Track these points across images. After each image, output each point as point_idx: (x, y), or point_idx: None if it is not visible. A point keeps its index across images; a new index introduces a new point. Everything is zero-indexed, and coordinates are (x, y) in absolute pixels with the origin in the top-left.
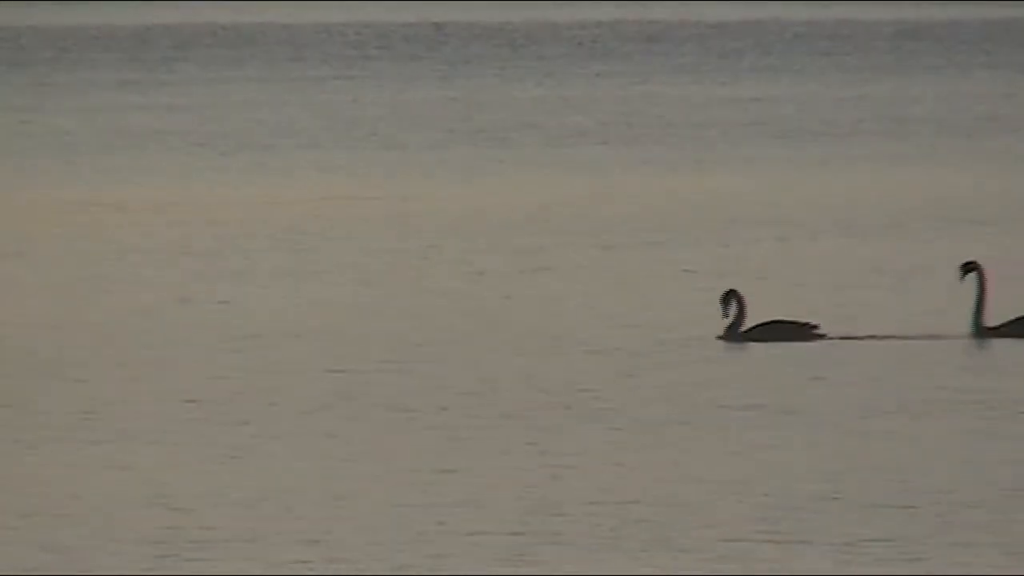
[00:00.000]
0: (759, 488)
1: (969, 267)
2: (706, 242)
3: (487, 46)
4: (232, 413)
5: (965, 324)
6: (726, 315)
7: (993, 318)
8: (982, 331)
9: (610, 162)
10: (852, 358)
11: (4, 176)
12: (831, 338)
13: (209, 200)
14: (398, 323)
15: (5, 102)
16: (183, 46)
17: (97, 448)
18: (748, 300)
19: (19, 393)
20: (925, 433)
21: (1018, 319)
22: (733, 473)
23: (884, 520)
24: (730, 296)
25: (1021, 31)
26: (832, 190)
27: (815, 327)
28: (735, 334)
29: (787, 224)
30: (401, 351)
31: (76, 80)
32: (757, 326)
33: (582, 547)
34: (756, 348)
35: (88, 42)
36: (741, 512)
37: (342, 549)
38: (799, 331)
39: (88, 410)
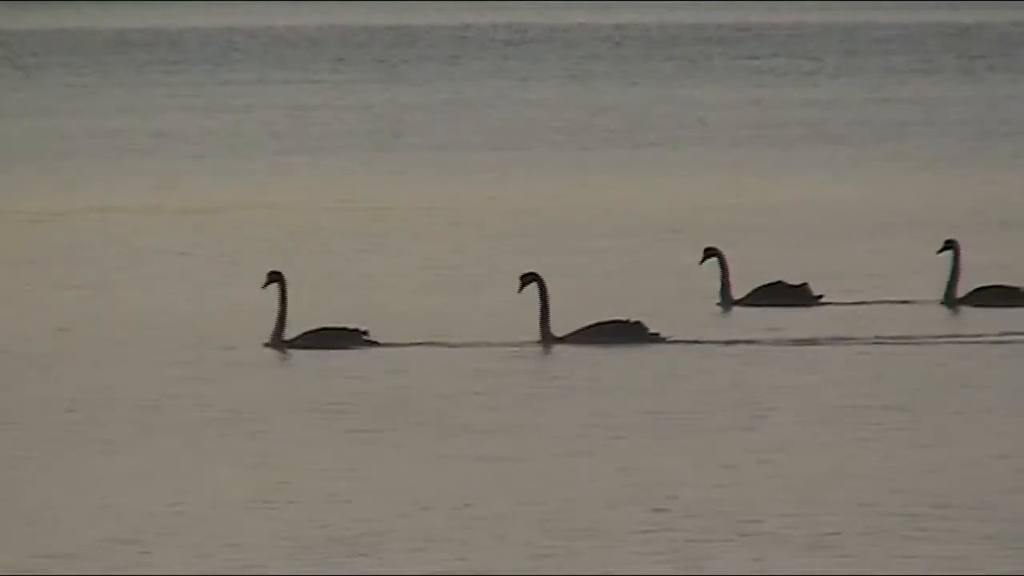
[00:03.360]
0: None
1: (529, 278)
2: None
3: (513, 49)
4: (353, 413)
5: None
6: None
7: (567, 326)
8: (548, 339)
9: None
10: (403, 363)
11: (39, 182)
12: (382, 345)
13: (256, 203)
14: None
15: (30, 105)
16: (210, 48)
17: (231, 446)
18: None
19: (159, 395)
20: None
21: (585, 328)
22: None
23: None
24: (274, 277)
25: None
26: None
27: (364, 333)
28: (279, 341)
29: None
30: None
31: (95, 83)
32: (305, 333)
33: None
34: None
35: (105, 45)
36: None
37: (484, 551)
38: (347, 337)
39: (227, 408)
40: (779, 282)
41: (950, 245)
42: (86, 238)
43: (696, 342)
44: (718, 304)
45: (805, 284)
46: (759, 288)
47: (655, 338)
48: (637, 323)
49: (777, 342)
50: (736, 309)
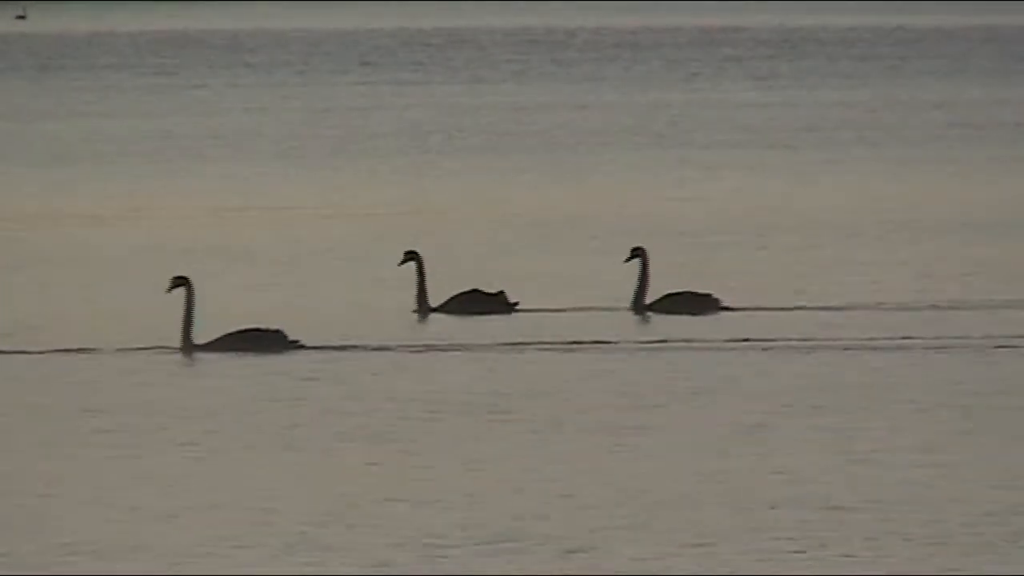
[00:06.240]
0: None
1: (179, 281)
2: None
3: (509, 52)
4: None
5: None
6: None
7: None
8: (189, 345)
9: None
10: (26, 370)
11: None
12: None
13: (282, 206)
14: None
15: (63, 108)
16: (236, 49)
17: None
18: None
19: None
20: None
21: (225, 335)
22: None
23: None
24: None
25: None
26: None
27: None
28: None
29: None
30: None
31: (111, 84)
32: None
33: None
34: None
35: (123, 46)
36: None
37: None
38: None
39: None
40: (475, 290)
41: (637, 253)
42: None
43: (339, 348)
44: (414, 311)
45: (501, 292)
46: (455, 296)
47: (295, 345)
48: (277, 331)
49: (417, 348)
50: (432, 316)
